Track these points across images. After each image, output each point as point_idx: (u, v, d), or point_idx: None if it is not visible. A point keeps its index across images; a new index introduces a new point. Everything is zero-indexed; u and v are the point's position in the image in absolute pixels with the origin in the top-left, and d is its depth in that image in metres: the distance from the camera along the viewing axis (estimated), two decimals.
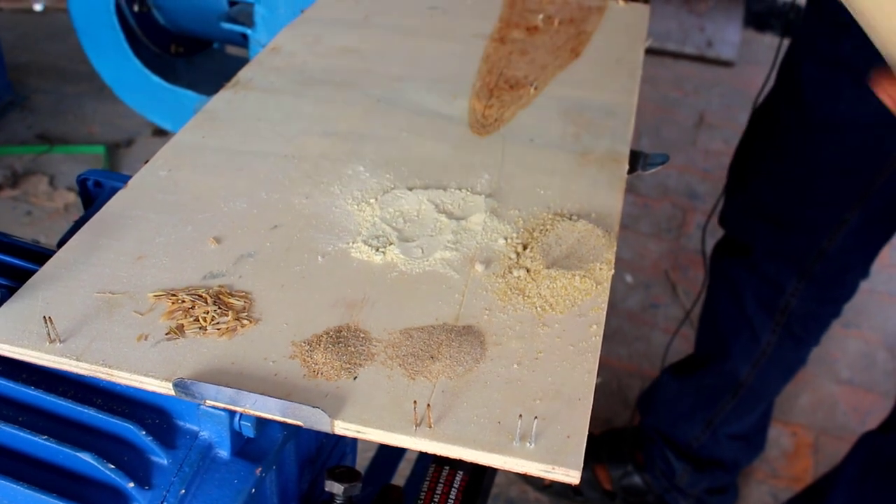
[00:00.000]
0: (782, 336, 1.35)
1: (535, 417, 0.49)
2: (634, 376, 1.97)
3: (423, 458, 1.00)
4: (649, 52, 3.67)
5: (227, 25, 1.19)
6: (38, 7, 2.97)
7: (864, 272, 1.34)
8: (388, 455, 1.13)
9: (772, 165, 1.29)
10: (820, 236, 1.25)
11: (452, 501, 0.58)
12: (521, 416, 0.49)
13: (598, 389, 1.91)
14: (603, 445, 1.66)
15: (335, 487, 0.60)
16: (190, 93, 1.39)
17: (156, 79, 1.39)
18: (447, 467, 0.60)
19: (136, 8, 1.27)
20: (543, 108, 0.83)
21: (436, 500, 0.58)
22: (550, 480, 1.71)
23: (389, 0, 1.03)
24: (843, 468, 1.33)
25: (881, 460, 1.24)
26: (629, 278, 2.33)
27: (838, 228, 1.23)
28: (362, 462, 1.23)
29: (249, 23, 1.16)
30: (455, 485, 0.60)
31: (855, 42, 1.08)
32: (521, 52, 0.93)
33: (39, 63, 2.70)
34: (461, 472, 0.60)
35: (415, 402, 0.50)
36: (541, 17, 1.00)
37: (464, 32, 0.96)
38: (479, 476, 0.75)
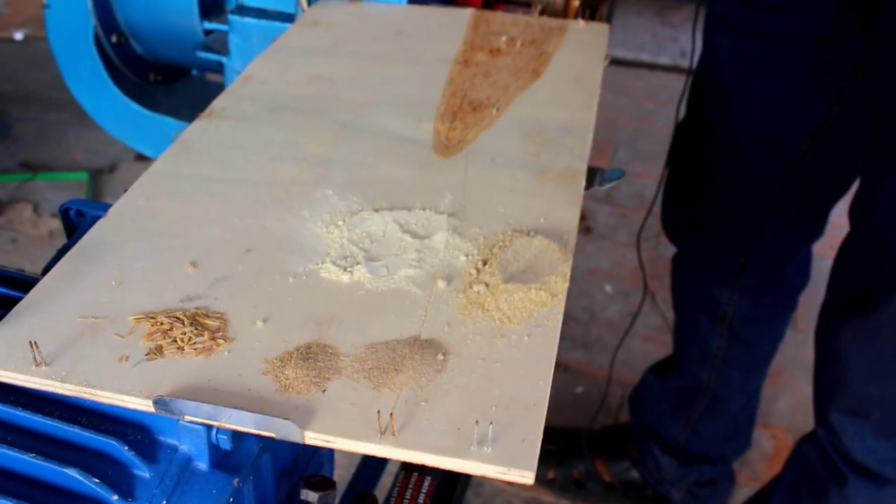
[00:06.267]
0: (731, 340, 1.41)
1: (490, 423, 0.53)
2: (615, 384, 2.01)
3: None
4: (625, 64, 3.73)
5: (202, 54, 1.23)
6: (18, 36, 3.00)
7: (801, 271, 1.39)
8: (370, 468, 1.16)
9: (690, 178, 1.35)
10: (738, 250, 1.31)
11: None
12: (477, 422, 0.53)
13: (580, 398, 1.95)
14: (601, 441, 1.72)
15: (310, 496, 0.63)
16: (170, 119, 1.42)
17: (135, 106, 1.42)
18: (416, 473, 0.64)
19: (113, 39, 1.31)
20: (505, 128, 0.87)
21: None
22: (553, 475, 1.75)
23: (357, 27, 1.07)
24: (782, 474, 1.38)
25: (809, 470, 1.29)
26: (609, 288, 2.37)
27: (754, 242, 1.29)
28: (346, 475, 1.26)
29: (224, 51, 1.19)
30: (423, 489, 0.63)
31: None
32: (484, 74, 0.97)
33: (21, 92, 2.73)
34: (429, 478, 0.64)
35: (378, 411, 0.54)
36: (504, 39, 1.04)
37: (429, 56, 1.00)
38: (451, 484, 0.79)
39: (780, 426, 1.97)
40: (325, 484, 0.64)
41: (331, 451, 0.78)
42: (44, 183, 2.34)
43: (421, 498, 0.62)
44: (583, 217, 2.63)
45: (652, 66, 3.41)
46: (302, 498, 0.64)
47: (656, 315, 2.24)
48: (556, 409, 1.96)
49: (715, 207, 1.32)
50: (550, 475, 1.71)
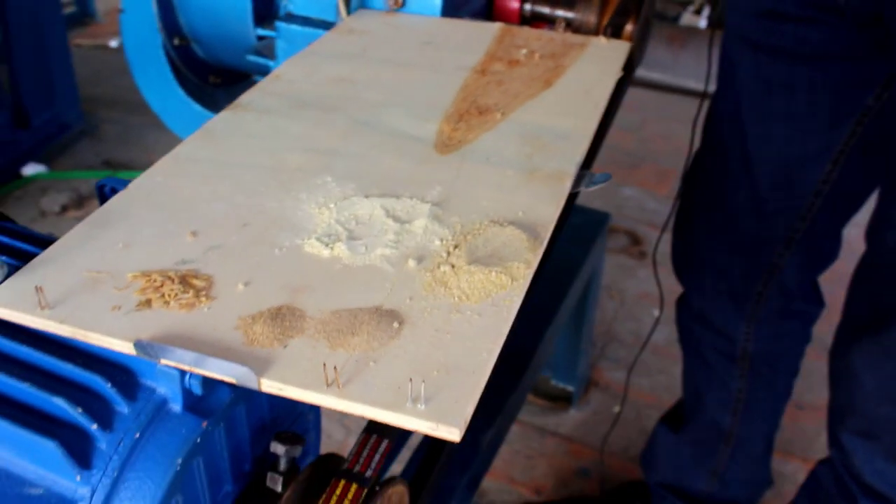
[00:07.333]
0: (751, 380, 1.37)
1: (423, 381, 0.58)
2: (654, 408, 2.02)
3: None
4: (698, 95, 3.71)
5: (252, 58, 1.32)
6: (113, 44, 3.20)
7: (814, 299, 1.36)
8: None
9: (701, 210, 1.32)
10: (754, 280, 1.28)
11: (375, 464, 0.67)
12: (411, 379, 0.58)
13: (616, 419, 1.96)
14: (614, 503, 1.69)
15: (278, 448, 0.69)
16: None
17: (197, 107, 1.52)
18: (375, 435, 0.69)
19: (175, 42, 1.41)
20: (505, 131, 0.92)
21: (360, 462, 0.67)
22: None
23: (388, 36, 1.14)
24: (797, 497, 1.36)
25: (822, 492, 1.27)
26: (656, 312, 2.37)
27: (771, 272, 1.26)
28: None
29: (272, 55, 1.28)
30: (380, 450, 0.68)
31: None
32: (497, 82, 1.02)
33: (110, 95, 2.92)
34: (387, 440, 0.69)
35: (324, 364, 0.59)
36: (524, 51, 1.09)
37: (450, 65, 1.06)
38: (429, 466, 0.84)
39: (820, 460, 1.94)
40: (294, 439, 0.70)
41: (317, 419, 0.84)
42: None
43: (376, 457, 0.67)
44: (638, 241, 2.64)
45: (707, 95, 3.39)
46: (271, 450, 0.70)
47: None
48: (592, 427, 1.98)
49: (728, 240, 1.29)
50: None
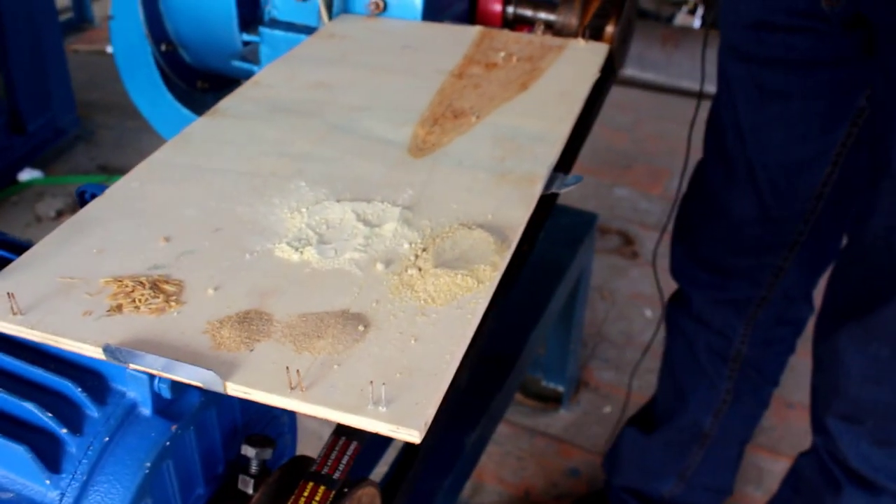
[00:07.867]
0: (739, 382, 1.39)
1: (384, 384, 0.59)
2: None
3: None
4: (668, 91, 3.69)
5: (237, 63, 1.33)
6: (110, 49, 3.21)
7: (808, 305, 1.38)
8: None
9: (704, 217, 1.34)
10: (759, 284, 1.29)
11: (343, 466, 0.68)
12: (371, 382, 0.59)
13: (606, 417, 1.97)
14: None
15: (249, 451, 0.70)
16: None
17: (186, 112, 1.53)
18: (343, 438, 0.70)
19: (163, 48, 1.42)
20: (479, 134, 0.93)
21: (329, 464, 0.68)
22: None
23: (368, 40, 1.15)
24: (779, 490, 1.37)
25: (805, 482, 1.28)
26: (649, 313, 2.38)
27: (777, 276, 1.28)
28: None
29: (257, 61, 1.29)
30: (348, 452, 0.69)
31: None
32: (474, 86, 1.03)
33: (107, 100, 2.93)
34: (355, 442, 0.70)
35: (287, 367, 0.60)
36: (502, 54, 1.10)
37: (428, 69, 1.07)
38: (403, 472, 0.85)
39: None
40: (264, 442, 0.71)
41: (292, 422, 0.85)
42: None
43: (345, 459, 0.68)
44: (630, 242, 2.65)
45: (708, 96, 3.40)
46: (242, 453, 0.71)
47: None
48: (582, 427, 1.98)
49: (734, 246, 1.31)
50: None
